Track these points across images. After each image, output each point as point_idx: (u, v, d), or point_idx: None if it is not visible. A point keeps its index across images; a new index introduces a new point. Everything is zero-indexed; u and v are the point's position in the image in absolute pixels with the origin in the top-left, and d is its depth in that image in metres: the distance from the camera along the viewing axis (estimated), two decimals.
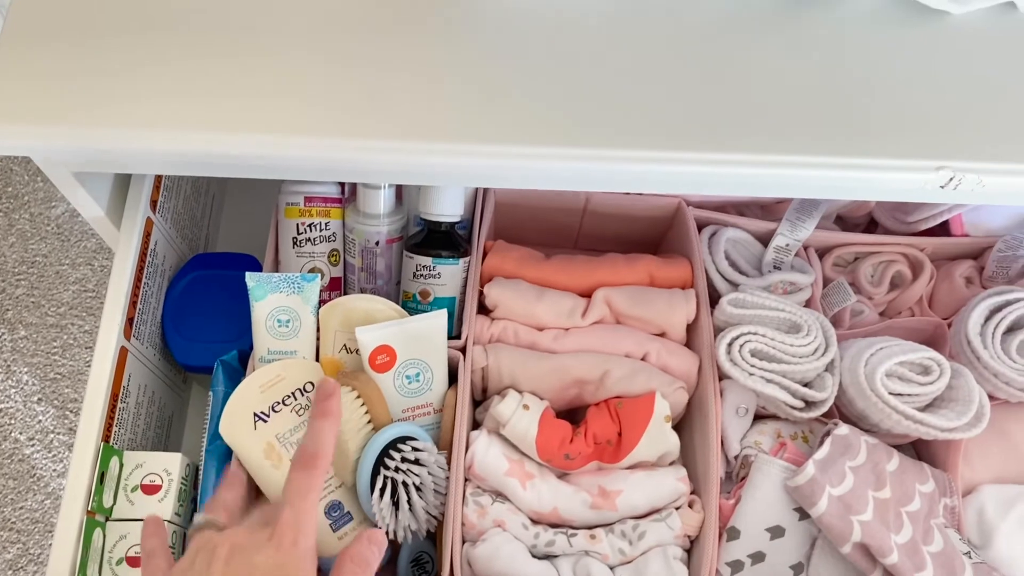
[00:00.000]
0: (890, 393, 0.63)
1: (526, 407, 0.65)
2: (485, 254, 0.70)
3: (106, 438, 0.60)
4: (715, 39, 0.57)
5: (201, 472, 0.63)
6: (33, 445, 1.31)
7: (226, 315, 0.69)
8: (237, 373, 0.66)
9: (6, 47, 0.54)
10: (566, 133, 0.53)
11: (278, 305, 0.64)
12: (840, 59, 0.57)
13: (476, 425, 0.68)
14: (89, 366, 1.41)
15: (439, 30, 0.57)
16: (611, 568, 0.63)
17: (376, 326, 0.63)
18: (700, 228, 0.72)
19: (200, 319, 0.70)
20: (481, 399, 0.70)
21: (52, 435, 1.31)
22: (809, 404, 0.65)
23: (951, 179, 0.54)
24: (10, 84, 0.53)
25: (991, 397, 0.65)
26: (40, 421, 1.32)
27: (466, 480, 0.65)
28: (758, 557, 0.61)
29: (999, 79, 0.57)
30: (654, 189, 0.56)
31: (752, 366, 0.64)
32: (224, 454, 0.62)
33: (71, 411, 1.33)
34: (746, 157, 0.53)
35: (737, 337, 0.65)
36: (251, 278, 0.64)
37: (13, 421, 1.32)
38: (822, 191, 0.58)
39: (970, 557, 0.62)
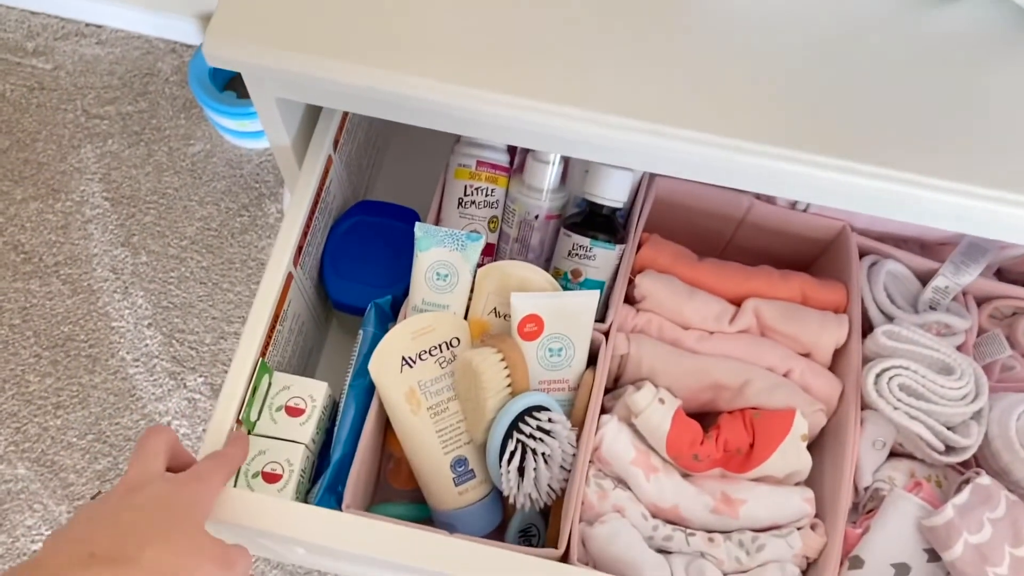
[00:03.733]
0: None
1: (662, 401, 0.65)
2: (640, 245, 0.71)
3: (262, 355, 0.62)
4: (948, 63, 0.57)
5: (341, 406, 0.65)
6: (137, 366, 1.35)
7: (382, 262, 0.71)
8: (386, 318, 0.68)
9: None
10: (779, 132, 0.53)
11: (440, 259, 0.65)
12: None
13: (602, 411, 0.68)
14: (201, 300, 1.45)
15: (670, 21, 0.57)
16: (724, 575, 0.62)
17: (531, 295, 0.64)
18: (860, 256, 0.71)
19: (357, 262, 0.72)
20: (611, 387, 0.70)
21: (156, 360, 1.36)
22: (950, 449, 0.64)
23: None
24: (238, 2, 0.56)
25: None
26: (147, 345, 1.37)
27: (590, 462, 0.65)
28: None
29: None
30: (846, 205, 0.56)
31: (899, 400, 0.63)
32: (366, 391, 0.64)
33: (177, 340, 1.37)
34: (960, 187, 0.53)
35: (887, 369, 0.64)
36: (420, 228, 0.65)
37: (123, 340, 1.37)
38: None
39: None
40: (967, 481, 0.62)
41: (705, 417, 0.69)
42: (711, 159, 0.54)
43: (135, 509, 0.46)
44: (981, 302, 0.72)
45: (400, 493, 0.70)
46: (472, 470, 0.65)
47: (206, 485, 0.52)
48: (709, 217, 0.75)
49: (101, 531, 0.44)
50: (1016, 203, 0.53)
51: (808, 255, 0.76)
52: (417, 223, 0.65)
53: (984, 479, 0.62)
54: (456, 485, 0.64)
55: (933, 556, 0.60)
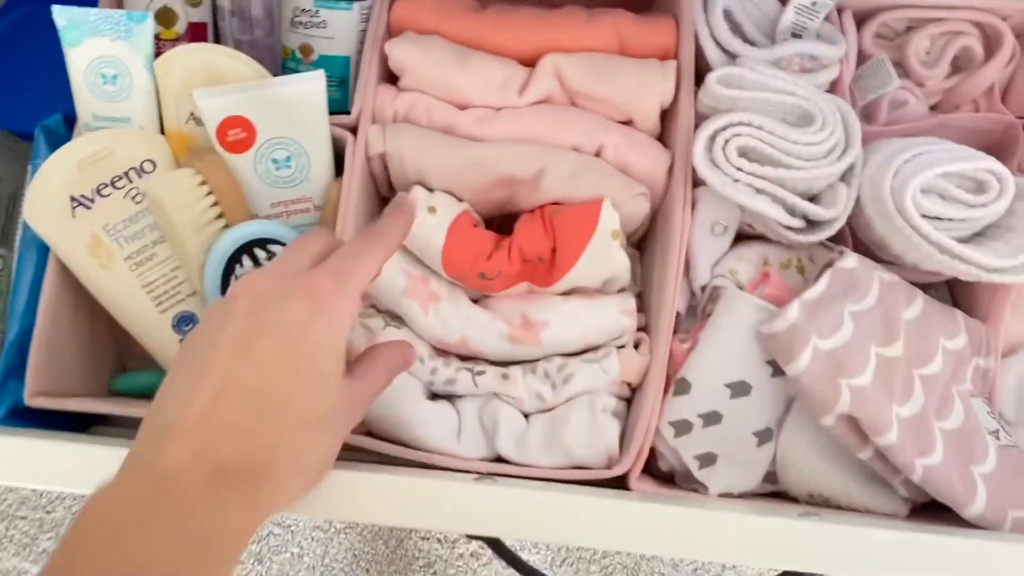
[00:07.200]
0: (923, 216, 0.45)
1: (432, 209, 0.49)
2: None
3: None
4: None
5: (13, 267, 0.50)
6: None
7: (58, 65, 0.53)
8: (62, 142, 0.51)
9: None
10: None
11: (100, 55, 0.48)
12: None
13: None
14: None
15: None
16: (524, 416, 0.49)
17: (223, 89, 0.47)
18: None
19: (27, 71, 0.54)
20: (388, 196, 0.54)
21: None
22: (812, 224, 0.48)
23: None
24: None
25: None
26: None
27: None
28: (712, 418, 0.47)
29: None
30: None
31: (739, 169, 0.47)
32: (44, 244, 0.49)
33: None
34: None
35: (723, 128, 0.47)
36: (60, 14, 0.47)
37: None
38: None
39: (998, 437, 0.47)
40: (829, 265, 0.47)
41: (515, 221, 0.53)
42: None
43: (253, 377, 0.34)
44: (863, 19, 0.53)
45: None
46: None
47: (342, 295, 0.37)
48: None
49: (218, 423, 0.33)
50: None
51: None
52: (55, 7, 0.47)
53: (849, 261, 0.47)
54: None
55: (780, 370, 0.46)
